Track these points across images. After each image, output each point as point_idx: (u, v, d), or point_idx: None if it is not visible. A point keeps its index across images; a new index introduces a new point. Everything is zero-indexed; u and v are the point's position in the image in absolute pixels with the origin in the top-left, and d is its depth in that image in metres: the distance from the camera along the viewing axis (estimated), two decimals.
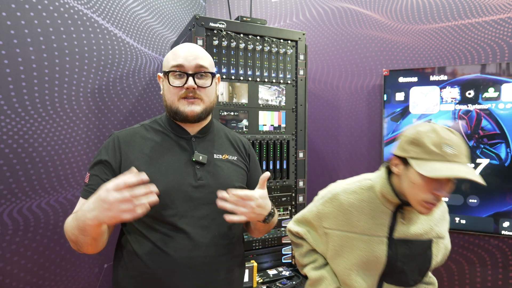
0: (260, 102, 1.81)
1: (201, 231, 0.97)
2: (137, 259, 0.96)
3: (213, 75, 1.03)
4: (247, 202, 0.90)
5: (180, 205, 0.97)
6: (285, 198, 1.85)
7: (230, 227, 1.03)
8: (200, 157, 1.02)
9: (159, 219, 0.96)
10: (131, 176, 0.76)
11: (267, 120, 1.82)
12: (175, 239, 0.95)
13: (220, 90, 1.68)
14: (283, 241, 1.85)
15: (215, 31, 1.68)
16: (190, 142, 1.05)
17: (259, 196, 0.93)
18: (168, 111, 1.03)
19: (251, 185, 1.15)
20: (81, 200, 1.00)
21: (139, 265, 0.96)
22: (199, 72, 1.00)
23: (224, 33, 1.70)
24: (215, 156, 1.06)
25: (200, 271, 0.96)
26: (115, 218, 0.77)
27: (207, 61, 1.03)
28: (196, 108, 1.00)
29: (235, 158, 1.11)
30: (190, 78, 0.98)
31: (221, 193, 0.90)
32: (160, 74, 1.06)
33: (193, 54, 1.00)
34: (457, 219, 2.12)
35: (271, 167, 1.81)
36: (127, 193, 0.75)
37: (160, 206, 0.95)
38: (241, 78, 1.76)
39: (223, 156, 1.08)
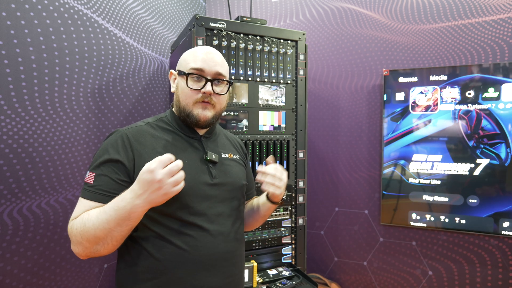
0: (260, 102, 1.81)
1: (219, 228, 0.99)
2: (154, 261, 0.93)
3: (229, 83, 1.06)
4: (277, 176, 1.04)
5: (198, 204, 0.97)
6: (285, 198, 1.85)
7: (241, 223, 1.09)
8: (213, 156, 1.04)
9: (178, 219, 0.94)
10: (168, 155, 0.82)
11: (267, 120, 1.82)
12: (196, 238, 0.95)
13: None
14: (283, 241, 1.85)
15: (215, 31, 1.68)
16: (200, 142, 1.06)
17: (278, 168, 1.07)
18: (180, 112, 1.03)
19: (248, 182, 1.21)
20: (82, 201, 0.90)
21: (157, 267, 0.93)
22: (217, 78, 1.02)
23: (224, 33, 1.69)
24: (223, 155, 1.10)
25: (221, 266, 0.98)
26: (167, 195, 0.83)
27: (225, 68, 1.05)
28: (208, 113, 1.01)
29: (237, 157, 1.16)
30: (209, 83, 0.99)
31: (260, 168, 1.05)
32: (173, 72, 1.05)
33: (213, 60, 1.01)
34: (457, 219, 2.12)
35: None
36: (174, 166, 0.81)
37: (179, 206, 0.94)
38: (241, 78, 1.76)
39: (229, 155, 1.12)
